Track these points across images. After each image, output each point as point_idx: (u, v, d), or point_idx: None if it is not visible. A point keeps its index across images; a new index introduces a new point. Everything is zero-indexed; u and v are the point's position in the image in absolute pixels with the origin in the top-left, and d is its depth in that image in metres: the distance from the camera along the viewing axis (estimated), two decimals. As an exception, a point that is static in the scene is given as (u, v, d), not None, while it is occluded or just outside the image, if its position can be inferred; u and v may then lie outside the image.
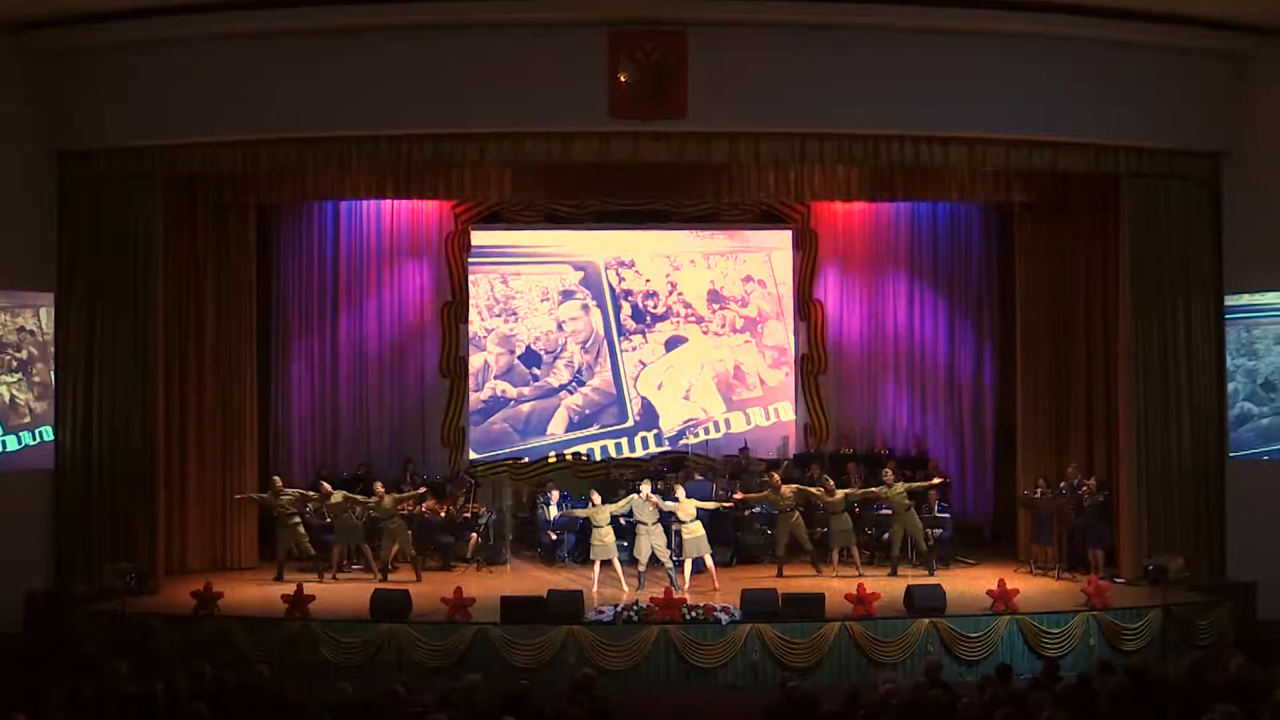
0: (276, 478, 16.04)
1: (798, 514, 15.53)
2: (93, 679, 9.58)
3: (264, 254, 17.85)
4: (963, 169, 15.34)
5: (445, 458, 18.69)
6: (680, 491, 14.91)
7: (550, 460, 18.84)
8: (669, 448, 18.95)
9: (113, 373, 14.79)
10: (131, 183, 14.79)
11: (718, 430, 19.21)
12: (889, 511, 15.82)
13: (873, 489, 15.76)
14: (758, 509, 16.51)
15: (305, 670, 12.31)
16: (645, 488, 14.97)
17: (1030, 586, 14.59)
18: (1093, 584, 13.86)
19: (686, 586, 14.45)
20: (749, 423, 19.30)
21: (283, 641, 13.00)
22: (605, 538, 14.80)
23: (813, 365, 19.08)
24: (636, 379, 19.39)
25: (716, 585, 14.56)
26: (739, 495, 15.95)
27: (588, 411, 19.24)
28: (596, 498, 15.23)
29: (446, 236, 18.83)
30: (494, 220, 18.85)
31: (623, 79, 13.89)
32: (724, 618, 13.15)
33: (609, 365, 19.40)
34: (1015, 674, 10.27)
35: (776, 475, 15.92)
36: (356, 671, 12.48)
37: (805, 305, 19.15)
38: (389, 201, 18.28)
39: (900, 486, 15.49)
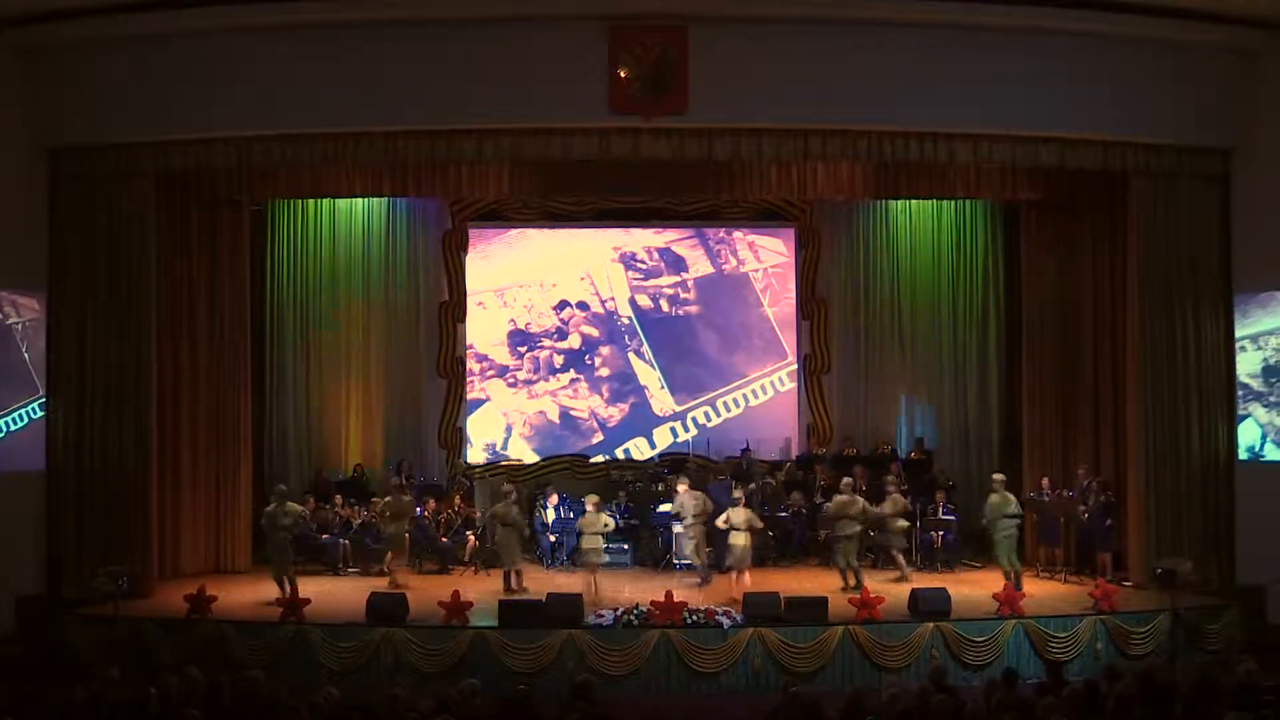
0: (395, 478, 15.71)
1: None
2: (85, 684, 9.41)
3: (259, 253, 17.76)
4: (969, 166, 15.17)
5: (443, 459, 18.51)
6: (740, 497, 14.54)
7: (549, 462, 18.66)
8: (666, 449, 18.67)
9: (105, 373, 14.61)
10: (123, 180, 14.63)
11: None
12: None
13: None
14: (785, 512, 16.28)
15: (300, 675, 12.12)
16: (683, 487, 14.86)
17: (1036, 590, 14.43)
18: (1100, 587, 13.69)
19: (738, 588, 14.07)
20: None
21: (277, 646, 12.84)
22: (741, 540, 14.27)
23: (816, 365, 18.90)
24: None
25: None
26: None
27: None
28: (742, 501, 14.54)
29: (444, 235, 18.68)
30: (492, 218, 18.70)
31: (623, 74, 13.72)
32: (726, 622, 12.98)
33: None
34: (1021, 678, 10.15)
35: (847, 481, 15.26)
36: (352, 676, 12.36)
37: (808, 304, 18.97)
38: (386, 199, 18.11)
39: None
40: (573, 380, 18.20)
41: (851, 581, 14.48)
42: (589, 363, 18.35)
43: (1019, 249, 17.67)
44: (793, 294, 19.05)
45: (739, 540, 14.24)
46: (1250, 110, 14.77)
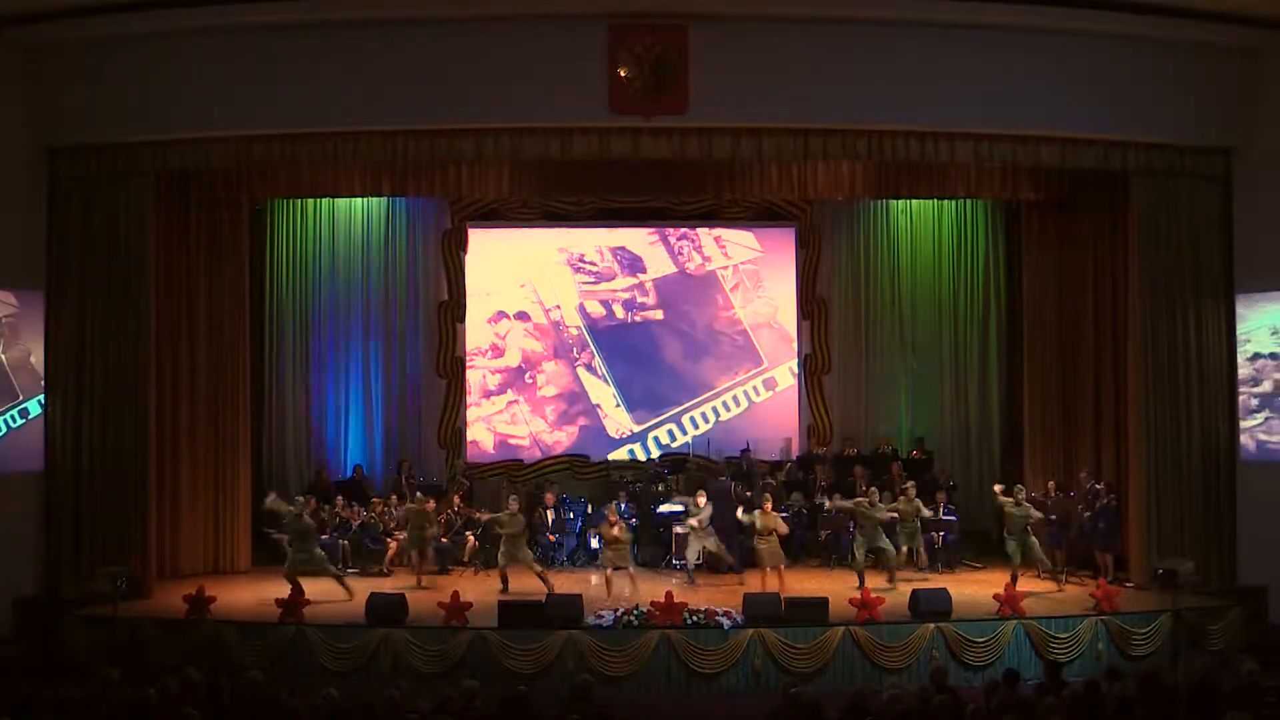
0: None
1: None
2: (83, 685, 9.41)
3: (259, 252, 17.74)
4: (969, 166, 15.18)
5: (442, 459, 18.48)
6: (770, 505, 14.71)
7: (549, 461, 18.61)
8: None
9: (104, 373, 14.57)
10: (123, 180, 14.59)
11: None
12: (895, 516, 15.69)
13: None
14: (785, 513, 16.27)
15: (300, 675, 12.09)
16: (701, 499, 14.93)
17: (1038, 590, 14.39)
18: (1101, 588, 13.67)
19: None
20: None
21: (277, 646, 12.81)
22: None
23: (816, 365, 18.86)
24: None
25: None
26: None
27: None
28: (769, 505, 14.74)
29: (444, 235, 18.66)
30: (492, 218, 18.65)
31: (623, 74, 13.69)
32: (726, 622, 12.95)
33: None
34: (1022, 679, 10.12)
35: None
36: (352, 677, 12.34)
37: (808, 304, 18.93)
38: (385, 199, 18.09)
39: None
40: (510, 403, 16.90)
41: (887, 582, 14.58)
42: (530, 381, 17.07)
43: (1019, 249, 17.68)
44: (766, 292, 18.82)
45: (764, 544, 14.38)
46: (1250, 110, 14.75)
